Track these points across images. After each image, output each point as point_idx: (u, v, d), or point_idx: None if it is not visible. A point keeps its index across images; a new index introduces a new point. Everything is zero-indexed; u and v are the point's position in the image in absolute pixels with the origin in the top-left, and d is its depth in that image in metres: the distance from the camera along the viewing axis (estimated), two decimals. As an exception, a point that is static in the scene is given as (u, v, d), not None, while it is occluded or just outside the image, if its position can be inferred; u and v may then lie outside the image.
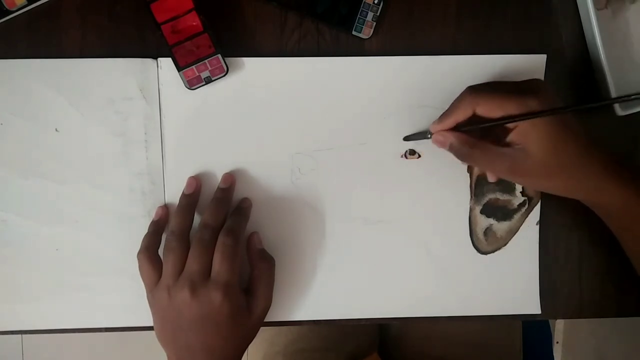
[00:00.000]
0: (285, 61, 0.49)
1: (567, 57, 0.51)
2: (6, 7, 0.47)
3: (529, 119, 0.41)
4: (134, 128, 0.49)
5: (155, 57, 0.48)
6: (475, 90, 0.43)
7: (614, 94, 0.48)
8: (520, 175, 0.44)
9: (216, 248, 0.45)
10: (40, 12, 0.48)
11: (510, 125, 0.42)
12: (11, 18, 0.47)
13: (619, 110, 0.48)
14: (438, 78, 0.49)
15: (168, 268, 0.46)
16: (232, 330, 0.46)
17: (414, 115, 0.50)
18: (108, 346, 1.22)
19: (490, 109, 0.42)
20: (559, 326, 0.85)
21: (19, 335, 1.23)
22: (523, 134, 0.42)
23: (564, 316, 0.53)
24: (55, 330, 0.51)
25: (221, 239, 0.46)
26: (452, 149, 0.45)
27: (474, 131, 0.44)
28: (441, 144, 0.45)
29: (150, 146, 0.49)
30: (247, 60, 0.49)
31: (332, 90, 0.50)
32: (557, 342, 0.82)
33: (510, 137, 0.43)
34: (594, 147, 0.43)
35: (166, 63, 0.48)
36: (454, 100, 0.44)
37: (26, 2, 0.47)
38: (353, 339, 0.70)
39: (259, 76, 0.49)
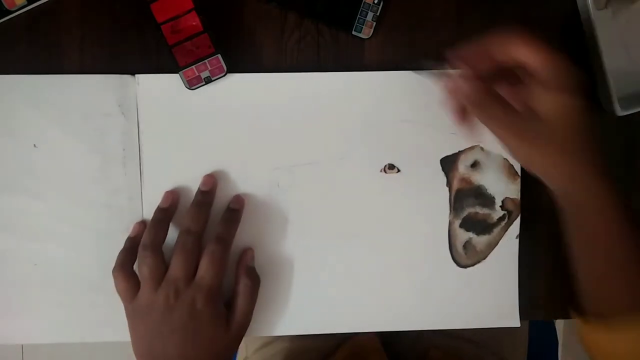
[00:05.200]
0: (264, 77, 0.49)
1: (567, 58, 0.51)
2: (6, 7, 0.46)
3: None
4: (112, 144, 0.49)
5: (133, 74, 0.48)
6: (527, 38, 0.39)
7: (614, 94, 0.48)
8: (528, 142, 0.41)
9: (204, 253, 0.45)
10: (40, 11, 0.48)
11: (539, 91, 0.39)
12: (11, 18, 0.47)
13: (619, 110, 0.48)
14: (420, 93, 0.49)
15: (146, 282, 0.45)
16: (210, 341, 0.46)
17: (395, 130, 0.50)
18: (108, 348, 1.22)
19: (540, 61, 0.39)
20: (559, 326, 0.85)
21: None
22: (545, 100, 0.39)
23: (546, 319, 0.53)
24: (33, 344, 0.51)
25: (211, 246, 0.46)
26: (468, 99, 0.41)
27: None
28: (453, 92, 0.41)
29: (129, 162, 0.49)
30: (227, 76, 0.48)
31: (310, 105, 0.49)
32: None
33: (541, 103, 0.40)
34: (592, 140, 0.42)
35: (144, 79, 0.48)
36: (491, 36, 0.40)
37: (26, 2, 0.47)
38: None
39: (236, 92, 0.49)
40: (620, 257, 0.43)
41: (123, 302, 0.47)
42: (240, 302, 0.48)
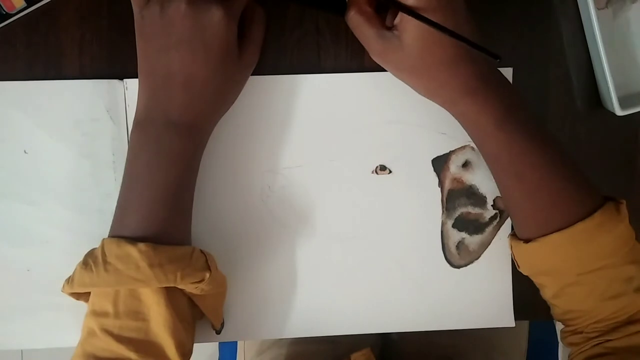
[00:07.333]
0: (253, 80, 0.48)
1: (568, 57, 0.51)
2: (5, 10, 0.47)
3: (411, 15, 0.40)
4: (101, 149, 0.49)
5: (129, 76, 0.48)
6: None
7: (614, 93, 0.48)
8: (387, 63, 0.44)
9: None
10: (39, 12, 0.48)
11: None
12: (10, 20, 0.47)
13: (619, 110, 0.48)
14: (410, 94, 0.48)
15: None
16: (218, 64, 0.42)
17: (386, 131, 0.50)
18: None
19: None
20: (559, 326, 0.84)
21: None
22: (406, 22, 0.41)
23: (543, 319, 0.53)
24: (28, 349, 0.51)
25: None
26: (351, 3, 0.43)
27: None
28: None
29: (119, 167, 0.49)
30: None
31: (301, 108, 0.49)
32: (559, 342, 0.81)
33: (396, 21, 0.42)
34: (468, 60, 0.42)
35: (132, 84, 0.48)
36: None
37: (25, 5, 0.47)
38: None
39: None
40: (513, 175, 0.44)
41: (134, 9, 0.43)
42: (253, 30, 0.45)
